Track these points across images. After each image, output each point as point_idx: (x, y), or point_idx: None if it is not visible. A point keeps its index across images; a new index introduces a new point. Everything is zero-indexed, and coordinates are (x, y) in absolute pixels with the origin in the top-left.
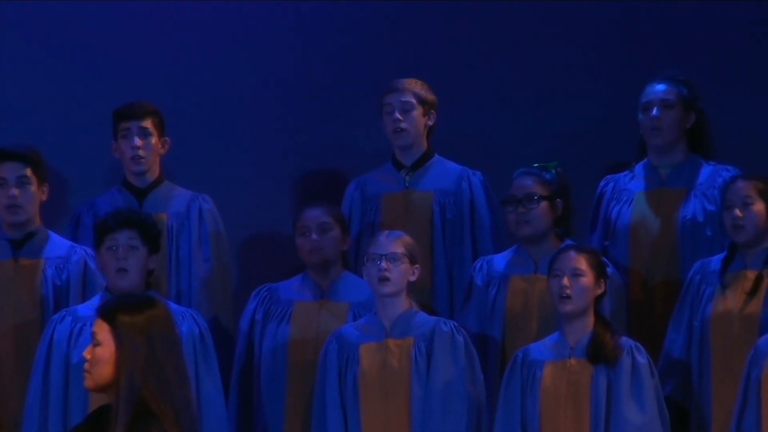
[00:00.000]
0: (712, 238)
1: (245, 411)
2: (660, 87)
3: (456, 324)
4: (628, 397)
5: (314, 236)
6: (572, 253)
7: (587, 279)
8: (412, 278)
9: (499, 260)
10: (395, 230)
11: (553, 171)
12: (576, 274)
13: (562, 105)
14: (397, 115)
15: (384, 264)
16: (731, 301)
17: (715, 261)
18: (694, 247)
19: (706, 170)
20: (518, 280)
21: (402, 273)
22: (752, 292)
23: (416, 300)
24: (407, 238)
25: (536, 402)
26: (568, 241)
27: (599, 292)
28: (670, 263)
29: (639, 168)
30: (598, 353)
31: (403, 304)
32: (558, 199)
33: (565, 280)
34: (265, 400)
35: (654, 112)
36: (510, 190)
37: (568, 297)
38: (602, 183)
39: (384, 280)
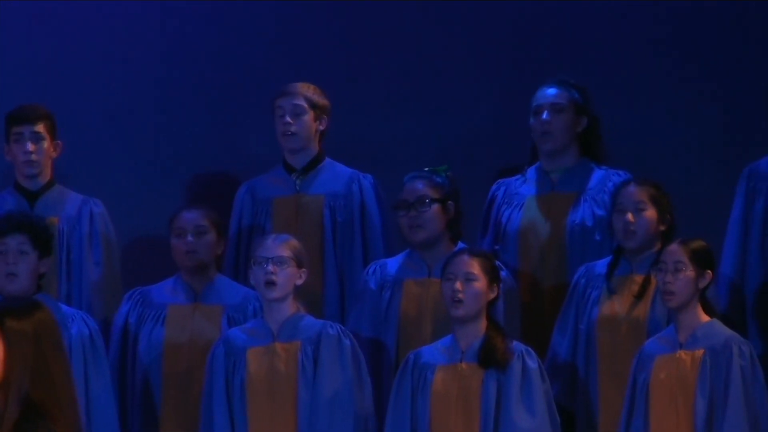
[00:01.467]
0: (601, 242)
1: (120, 414)
2: (551, 91)
3: (343, 327)
4: (517, 401)
5: (189, 239)
6: (465, 257)
7: (480, 283)
8: (299, 282)
9: (392, 264)
10: (282, 234)
11: (444, 174)
12: (469, 278)
13: (453, 108)
14: (288, 118)
15: (270, 267)
16: (618, 304)
17: (600, 265)
18: (583, 252)
19: (597, 175)
20: (412, 284)
21: (288, 276)
22: (640, 296)
23: (303, 303)
24: (294, 242)
25: (427, 405)
26: (461, 245)
27: (492, 296)
28: (559, 267)
29: (530, 172)
30: (489, 357)
31: (290, 307)
32: (449, 202)
33: (458, 285)
34: (141, 403)
35: (545, 116)
36: (401, 194)
37: (461, 301)
38: (494, 187)
39: (270, 283)
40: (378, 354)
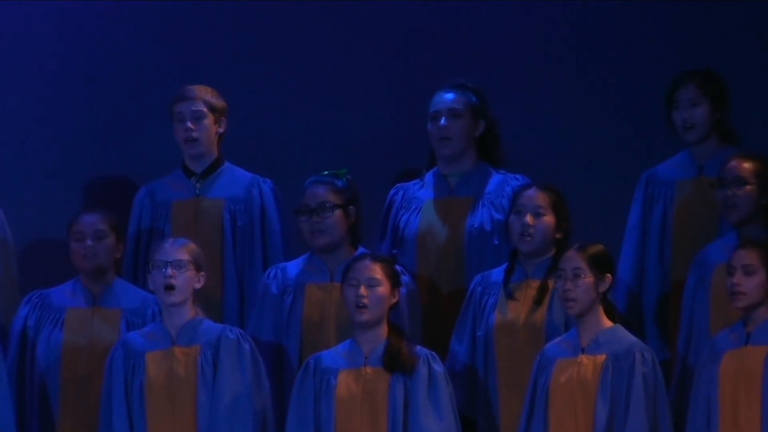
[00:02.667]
0: (499, 246)
1: (18, 418)
2: (448, 96)
3: (242, 332)
4: (425, 405)
5: (89, 242)
6: (368, 262)
7: (383, 288)
8: (198, 286)
9: (293, 268)
10: (181, 238)
11: (344, 178)
12: (372, 283)
13: (351, 112)
14: (189, 124)
15: (169, 271)
16: (515, 310)
17: (496, 273)
18: (481, 256)
19: (495, 179)
20: (314, 289)
21: (187, 280)
22: (538, 302)
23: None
24: (193, 246)
25: (331, 410)
26: (362, 249)
27: (394, 300)
28: (457, 271)
29: (429, 176)
30: (395, 362)
31: (189, 311)
32: (351, 207)
33: (362, 290)
34: (39, 406)
35: (442, 121)
36: (302, 199)
37: (365, 306)
38: (392, 191)
39: (169, 287)
40: (280, 359)
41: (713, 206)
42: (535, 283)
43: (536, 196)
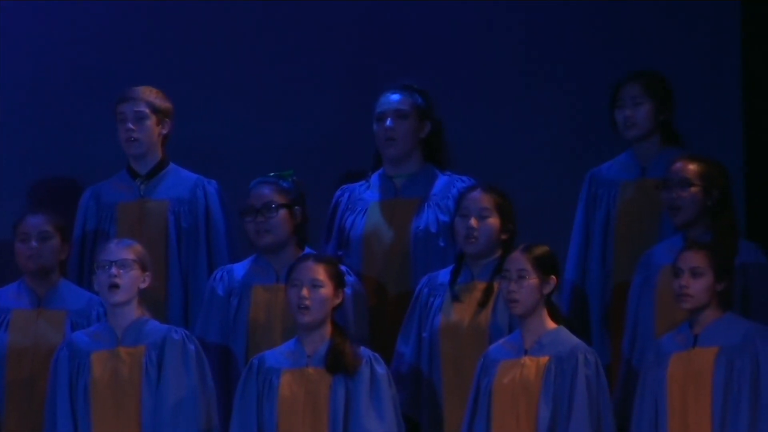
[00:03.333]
0: (445, 248)
1: None
2: (394, 97)
3: (187, 332)
4: (367, 406)
5: (33, 243)
6: (311, 263)
7: (326, 289)
8: (143, 286)
9: (239, 269)
10: (126, 239)
11: (290, 179)
12: (315, 284)
13: (297, 114)
14: (130, 125)
15: (114, 270)
16: (461, 311)
17: (443, 274)
18: (427, 257)
19: (441, 180)
20: (260, 290)
21: (132, 280)
22: (483, 303)
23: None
24: (138, 246)
25: (273, 410)
26: (307, 250)
27: (337, 302)
28: (403, 273)
29: (374, 178)
30: (337, 363)
31: (135, 312)
32: (296, 207)
33: (305, 291)
34: None
35: (388, 122)
36: (248, 199)
37: (307, 308)
38: (338, 193)
39: (114, 286)
40: (227, 360)
41: (655, 207)
42: (481, 285)
43: (481, 198)
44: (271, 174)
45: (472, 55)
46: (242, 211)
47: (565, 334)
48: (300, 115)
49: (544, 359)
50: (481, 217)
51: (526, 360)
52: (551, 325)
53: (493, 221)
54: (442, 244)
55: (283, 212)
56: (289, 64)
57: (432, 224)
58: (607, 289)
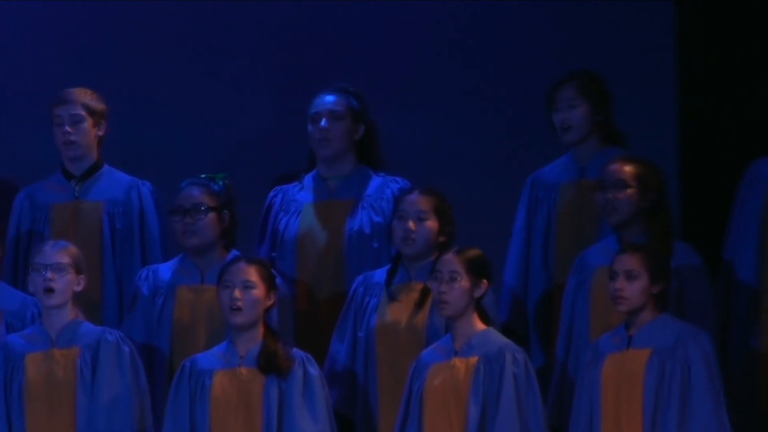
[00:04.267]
0: (379, 249)
1: None
2: (329, 98)
3: (122, 334)
4: (300, 407)
5: None
6: (243, 265)
7: (258, 291)
8: (78, 288)
9: (165, 270)
10: (61, 240)
11: (221, 182)
12: (247, 285)
13: (231, 115)
14: (67, 127)
15: (49, 274)
16: (397, 312)
17: (379, 273)
18: (361, 259)
19: (375, 182)
20: (185, 291)
21: (67, 283)
22: (419, 304)
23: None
24: (73, 249)
25: (206, 410)
26: (234, 252)
27: (269, 303)
28: (337, 274)
29: (308, 179)
30: (270, 363)
31: (69, 314)
32: (225, 211)
33: (237, 292)
34: None
35: (322, 123)
36: (177, 199)
37: (240, 309)
38: (271, 194)
39: (49, 290)
40: (151, 360)
41: (594, 208)
42: (418, 286)
43: (419, 201)
44: (203, 176)
45: (407, 56)
46: (171, 210)
47: (494, 334)
48: (234, 116)
49: (473, 360)
50: (419, 220)
51: (456, 361)
52: (481, 326)
53: (431, 224)
54: (375, 245)
55: (211, 215)
56: (224, 65)
57: (366, 225)
58: (548, 291)
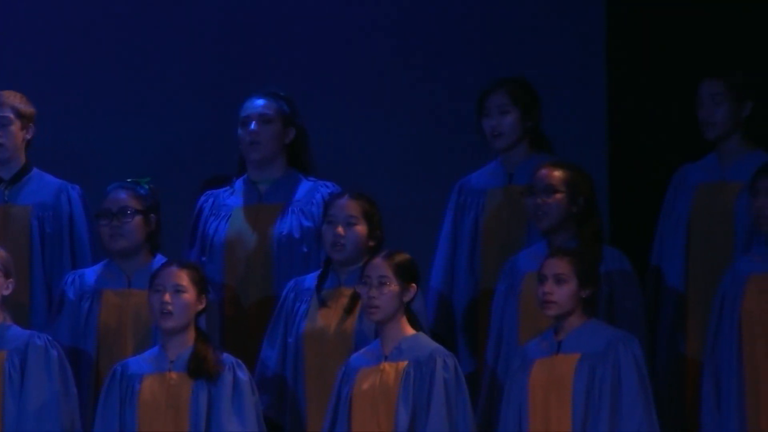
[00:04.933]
0: (308, 254)
1: None
2: (259, 102)
3: (50, 338)
4: (228, 412)
5: None
6: (173, 268)
7: (189, 294)
8: (6, 292)
9: (90, 274)
10: None
11: (147, 186)
12: (178, 289)
13: (161, 119)
14: None
15: None
16: (326, 317)
17: (309, 279)
18: (290, 263)
19: (304, 186)
20: (111, 295)
21: None
22: (349, 309)
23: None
24: (1, 252)
25: (134, 415)
26: (159, 257)
27: (200, 307)
28: (265, 279)
29: (238, 183)
30: (199, 368)
31: None
32: (151, 214)
33: (167, 296)
34: None
35: (252, 126)
36: (104, 203)
37: (170, 313)
38: (202, 198)
39: None
40: (77, 364)
41: (522, 214)
42: (347, 291)
43: (348, 205)
44: (129, 179)
45: (337, 61)
46: (97, 213)
47: (424, 339)
48: (165, 120)
49: (402, 364)
50: (348, 225)
51: (385, 366)
52: (410, 331)
53: (360, 229)
54: (304, 249)
55: (137, 218)
56: (153, 68)
57: (295, 230)
58: (474, 296)
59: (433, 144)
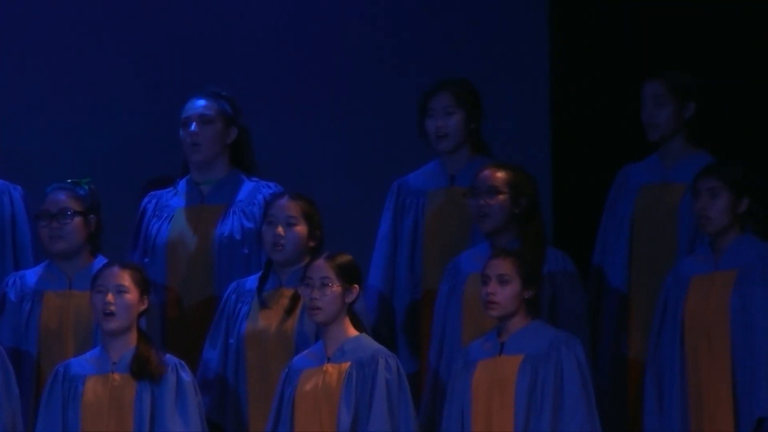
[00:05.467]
0: (249, 255)
1: None
2: (199, 102)
3: None
4: (172, 413)
5: None
6: (116, 269)
7: (131, 295)
8: None
9: (31, 275)
10: None
11: (87, 187)
12: (120, 290)
13: (104, 120)
14: None
15: None
16: (267, 318)
17: (251, 280)
18: (230, 265)
19: (246, 187)
20: (52, 296)
21: None
22: (290, 310)
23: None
24: None
25: (77, 416)
26: (100, 257)
27: (143, 308)
28: (206, 280)
29: (181, 184)
30: (142, 369)
31: None
32: (91, 215)
33: (110, 297)
34: None
35: (192, 127)
36: (43, 205)
37: (112, 314)
38: (145, 199)
39: None
40: (18, 366)
41: (464, 215)
42: (288, 292)
43: (287, 206)
44: (68, 180)
45: (279, 61)
46: (37, 215)
47: (367, 340)
48: (108, 121)
49: (345, 365)
50: (288, 225)
51: (328, 367)
52: (353, 332)
53: (300, 229)
54: (245, 251)
55: (77, 219)
56: (95, 68)
57: (236, 231)
58: (414, 297)
59: (376, 145)
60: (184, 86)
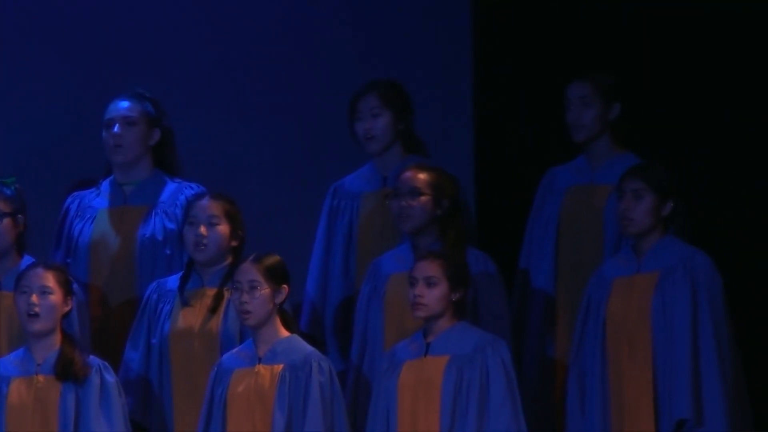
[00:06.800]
0: (171, 256)
1: None
2: (122, 104)
3: None
4: (96, 414)
5: None
6: (39, 270)
7: (55, 296)
8: None
9: None
10: None
11: (12, 187)
12: (44, 291)
13: (28, 120)
14: None
15: None
16: (191, 317)
17: (172, 280)
18: (153, 265)
19: (169, 187)
20: None
21: None
22: (213, 309)
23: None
24: None
25: (2, 418)
26: (27, 257)
27: (66, 309)
28: (129, 281)
29: (105, 185)
30: (66, 371)
31: None
32: (19, 216)
33: (34, 298)
34: None
35: (115, 128)
36: None
37: (37, 315)
38: (68, 200)
39: None
40: None
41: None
42: (211, 291)
43: (209, 206)
44: None
45: (206, 61)
46: None
47: (299, 342)
48: (32, 121)
49: (277, 367)
50: (210, 225)
51: (260, 368)
52: (284, 333)
53: (223, 229)
54: (168, 251)
55: (6, 221)
56: (18, 68)
57: (158, 232)
58: (348, 299)
59: (306, 145)
60: (110, 86)
